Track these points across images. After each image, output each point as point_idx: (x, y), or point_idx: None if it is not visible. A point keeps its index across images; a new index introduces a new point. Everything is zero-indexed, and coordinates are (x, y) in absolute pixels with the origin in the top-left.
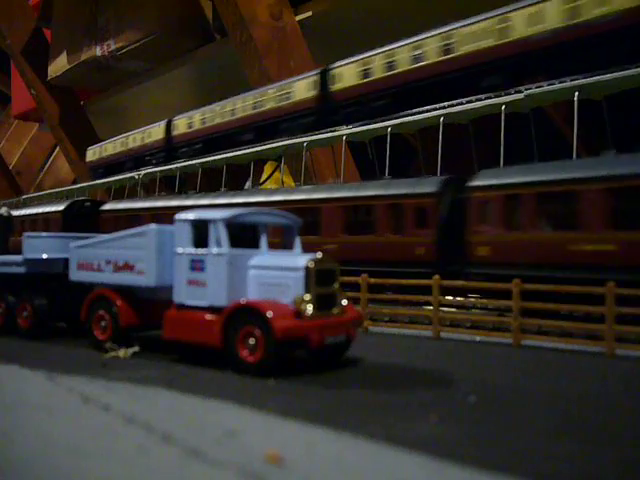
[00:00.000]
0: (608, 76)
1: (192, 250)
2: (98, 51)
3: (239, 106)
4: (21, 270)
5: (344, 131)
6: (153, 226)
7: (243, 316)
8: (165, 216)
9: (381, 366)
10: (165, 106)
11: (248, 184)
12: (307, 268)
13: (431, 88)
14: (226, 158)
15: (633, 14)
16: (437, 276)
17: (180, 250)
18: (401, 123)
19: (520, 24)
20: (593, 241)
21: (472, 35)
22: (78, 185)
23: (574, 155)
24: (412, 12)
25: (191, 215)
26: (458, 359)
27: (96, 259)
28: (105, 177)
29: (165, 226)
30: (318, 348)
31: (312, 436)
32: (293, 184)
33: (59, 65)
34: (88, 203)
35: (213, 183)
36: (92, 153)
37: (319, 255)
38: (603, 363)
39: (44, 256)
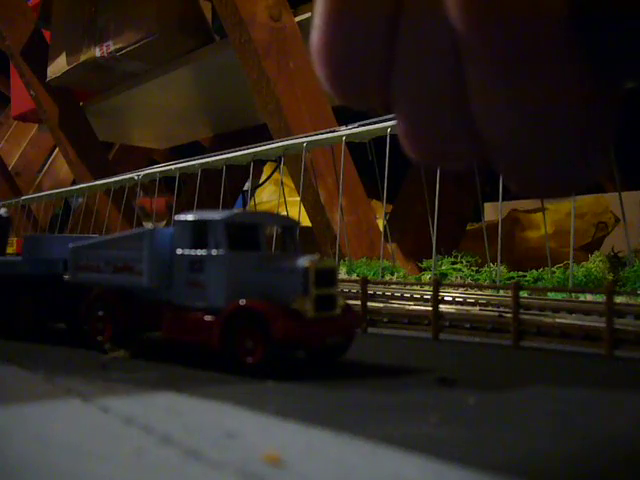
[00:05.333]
0: None
1: (191, 251)
2: (97, 52)
3: None
4: (20, 271)
5: (344, 132)
6: (151, 227)
7: (242, 317)
8: None
9: (380, 367)
10: (165, 107)
11: (247, 185)
12: (306, 269)
13: None
14: (225, 159)
15: None
16: (436, 276)
17: (179, 251)
18: None
19: None
20: None
21: None
22: (77, 186)
23: None
24: None
25: (190, 216)
26: (457, 360)
27: (95, 260)
28: None
29: (163, 227)
30: (317, 349)
31: (311, 437)
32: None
33: (58, 66)
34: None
35: (213, 184)
36: None
37: (318, 256)
38: (602, 364)
39: (43, 257)
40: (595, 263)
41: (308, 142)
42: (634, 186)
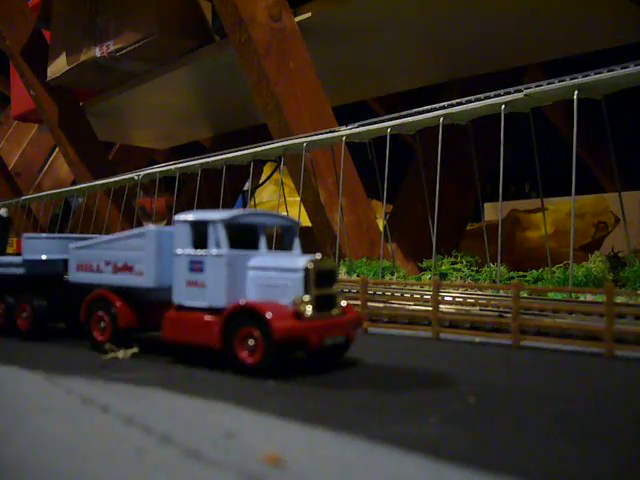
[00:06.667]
0: (608, 75)
1: (191, 251)
2: (97, 52)
3: None
4: (20, 271)
5: (344, 132)
6: (152, 227)
7: (242, 317)
8: None
9: (380, 367)
10: (165, 107)
11: (247, 185)
12: (306, 269)
13: None
14: (225, 159)
15: None
16: (436, 276)
17: (179, 251)
18: (401, 124)
19: None
20: None
21: None
22: (77, 186)
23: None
24: (412, 13)
25: (190, 216)
26: (457, 360)
27: (95, 260)
28: None
29: (164, 227)
30: (317, 349)
31: (312, 437)
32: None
33: (58, 66)
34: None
35: (213, 184)
36: None
37: (318, 256)
38: (603, 364)
39: (43, 257)
40: (595, 263)
41: (308, 142)
42: (634, 186)
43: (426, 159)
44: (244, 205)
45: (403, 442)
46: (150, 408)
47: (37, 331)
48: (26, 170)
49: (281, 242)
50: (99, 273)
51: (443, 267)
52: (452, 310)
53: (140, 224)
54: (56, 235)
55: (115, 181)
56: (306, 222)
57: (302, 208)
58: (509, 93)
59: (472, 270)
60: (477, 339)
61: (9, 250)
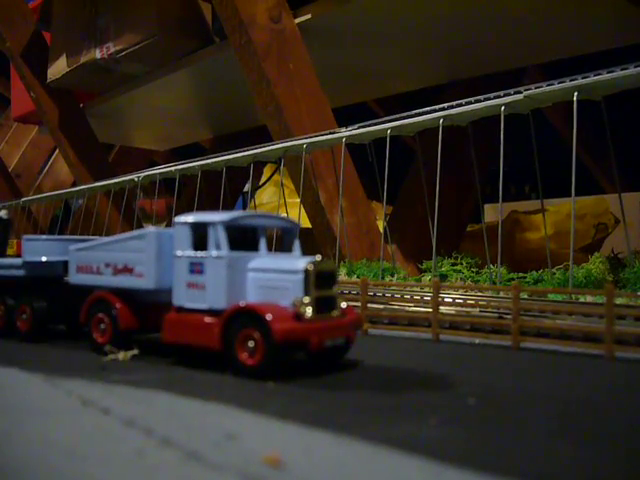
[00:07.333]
0: (607, 76)
1: (191, 253)
2: (97, 54)
3: None
4: (20, 273)
5: (344, 133)
6: (152, 229)
7: (242, 319)
8: None
9: (380, 369)
10: (165, 109)
11: (247, 186)
12: (306, 271)
13: None
14: (225, 160)
15: None
16: (436, 278)
17: (179, 253)
18: (401, 125)
19: None
20: None
21: None
22: (77, 187)
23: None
24: (412, 14)
25: (190, 218)
26: (457, 361)
27: (95, 262)
28: None
29: (164, 229)
30: (317, 351)
31: (311, 439)
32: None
33: (58, 68)
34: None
35: (213, 186)
36: None
37: (318, 258)
38: (603, 365)
39: (43, 259)
40: (595, 264)
41: (308, 144)
42: (634, 187)
43: (426, 160)
44: (244, 206)
45: (403, 444)
46: (150, 410)
47: (37, 333)
48: (26, 172)
49: (281, 244)
50: (99, 275)
51: (443, 268)
52: (452, 311)
53: (140, 226)
54: (56, 237)
55: (115, 182)
56: (306, 223)
57: (302, 209)
58: (509, 94)
59: (472, 271)
60: (477, 340)
61: (9, 252)
